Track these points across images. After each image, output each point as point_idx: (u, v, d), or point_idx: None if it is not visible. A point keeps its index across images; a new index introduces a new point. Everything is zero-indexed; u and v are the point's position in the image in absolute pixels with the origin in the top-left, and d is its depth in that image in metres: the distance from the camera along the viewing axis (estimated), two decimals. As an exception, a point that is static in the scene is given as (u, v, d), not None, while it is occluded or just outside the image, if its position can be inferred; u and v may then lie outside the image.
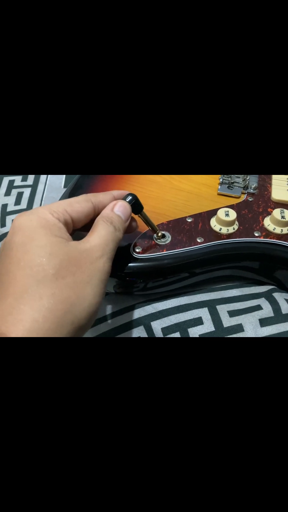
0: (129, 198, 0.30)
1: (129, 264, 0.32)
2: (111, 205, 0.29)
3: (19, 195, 0.46)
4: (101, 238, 0.26)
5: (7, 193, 0.46)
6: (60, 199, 0.41)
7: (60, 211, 0.26)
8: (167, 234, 0.34)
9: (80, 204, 0.27)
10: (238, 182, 0.39)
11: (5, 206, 0.45)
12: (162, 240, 0.33)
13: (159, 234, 0.33)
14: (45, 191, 0.47)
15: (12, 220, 0.27)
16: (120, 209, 0.29)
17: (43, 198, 0.46)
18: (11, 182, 0.48)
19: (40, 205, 0.45)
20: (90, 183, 0.40)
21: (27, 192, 0.46)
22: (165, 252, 0.33)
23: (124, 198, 0.30)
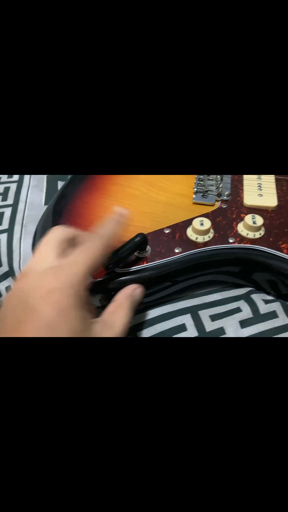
0: (138, 238, 0.33)
1: (113, 280, 0.33)
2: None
3: (0, 216, 0.47)
4: (124, 326, 0.26)
5: (-12, 214, 0.47)
6: (42, 217, 0.42)
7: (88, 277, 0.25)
8: (147, 246, 0.35)
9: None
10: (211, 190, 0.41)
11: (-13, 227, 0.45)
12: (143, 253, 0.35)
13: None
14: (26, 210, 0.47)
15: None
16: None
17: (24, 217, 0.46)
18: (-9, 203, 0.48)
19: (22, 224, 0.45)
20: (71, 198, 0.41)
21: (7, 212, 0.47)
22: (145, 265, 0.34)
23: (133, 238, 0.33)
